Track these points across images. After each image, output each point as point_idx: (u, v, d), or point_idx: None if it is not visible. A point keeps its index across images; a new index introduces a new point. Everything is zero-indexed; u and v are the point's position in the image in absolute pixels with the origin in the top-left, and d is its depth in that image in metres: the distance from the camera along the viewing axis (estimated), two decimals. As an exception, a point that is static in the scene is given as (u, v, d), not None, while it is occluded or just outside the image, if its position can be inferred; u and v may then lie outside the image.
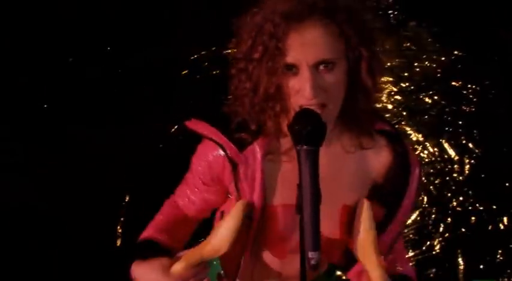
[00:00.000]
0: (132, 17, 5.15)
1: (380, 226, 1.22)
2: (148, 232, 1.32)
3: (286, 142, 1.17)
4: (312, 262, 0.98)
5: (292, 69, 1.06)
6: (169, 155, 3.45)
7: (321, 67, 1.05)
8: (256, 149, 1.16)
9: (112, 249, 2.84)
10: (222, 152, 1.18)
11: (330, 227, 1.22)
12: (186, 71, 4.73)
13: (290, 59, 1.05)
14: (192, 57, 4.99)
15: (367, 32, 1.11)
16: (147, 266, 1.19)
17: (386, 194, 1.23)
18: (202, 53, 4.99)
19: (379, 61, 1.13)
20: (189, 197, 1.34)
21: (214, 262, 1.41)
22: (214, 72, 4.70)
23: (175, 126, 3.81)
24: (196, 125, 1.22)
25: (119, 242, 2.85)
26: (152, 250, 1.23)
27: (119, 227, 2.91)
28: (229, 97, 1.20)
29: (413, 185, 1.22)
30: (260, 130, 1.17)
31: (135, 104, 4.02)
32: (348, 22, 1.06)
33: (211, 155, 1.21)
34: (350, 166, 1.23)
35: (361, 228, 1.18)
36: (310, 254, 0.98)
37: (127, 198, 3.07)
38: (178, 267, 1.16)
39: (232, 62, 1.16)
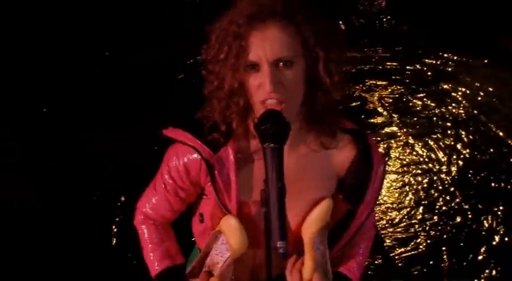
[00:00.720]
0: (131, 20, 5.24)
1: (345, 221, 1.32)
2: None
3: (256, 143, 1.23)
4: (280, 250, 1.06)
5: (254, 67, 1.15)
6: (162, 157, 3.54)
7: (280, 64, 1.14)
8: (229, 151, 1.24)
9: (107, 248, 2.91)
10: (197, 155, 1.25)
11: (299, 220, 1.31)
12: (182, 75, 4.82)
13: (252, 56, 1.14)
14: (188, 62, 5.06)
15: (325, 35, 1.18)
16: None
17: (350, 189, 1.31)
18: (198, 58, 5.08)
19: (337, 63, 1.20)
20: (166, 202, 1.39)
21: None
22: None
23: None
24: (172, 132, 1.30)
25: (114, 242, 2.92)
26: (176, 278, 1.37)
27: (114, 227, 2.98)
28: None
29: (376, 182, 1.30)
30: (231, 133, 1.25)
31: (131, 106, 4.11)
32: (306, 24, 1.15)
33: (187, 158, 1.28)
34: (316, 164, 1.31)
35: (310, 216, 1.28)
36: (279, 244, 1.06)
37: (122, 198, 3.14)
38: None
39: (203, 66, 1.24)
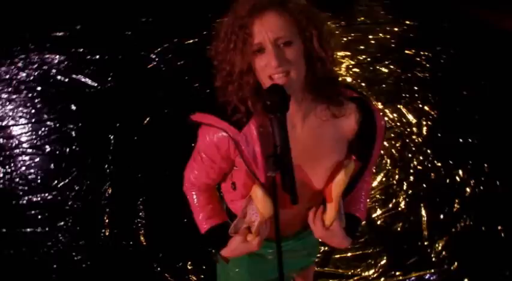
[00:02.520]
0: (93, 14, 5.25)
1: (357, 176, 1.51)
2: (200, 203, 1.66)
3: None
4: (268, 174, 1.28)
5: (260, 50, 1.33)
6: (143, 145, 3.64)
7: (281, 45, 1.32)
8: (252, 127, 1.42)
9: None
10: (225, 134, 1.43)
11: (318, 180, 1.51)
12: (152, 64, 4.87)
13: (257, 40, 1.32)
14: (156, 50, 5.11)
15: (313, 16, 1.37)
16: (233, 248, 1.57)
17: (360, 149, 1.50)
18: (165, 45, 5.13)
19: (328, 38, 1.39)
20: (205, 173, 1.60)
21: None
22: (178, 63, 4.86)
23: (148, 118, 3.99)
24: (200, 117, 1.48)
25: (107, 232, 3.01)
26: (220, 234, 1.58)
27: (105, 217, 3.07)
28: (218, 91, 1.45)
29: (379, 140, 1.50)
30: (251, 112, 1.42)
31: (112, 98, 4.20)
32: (296, 10, 1.36)
33: (216, 138, 1.46)
34: (329, 132, 1.48)
35: (338, 177, 1.46)
36: (269, 173, 1.28)
37: (109, 189, 3.23)
38: (251, 237, 1.53)
39: (213, 61, 1.42)
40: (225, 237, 1.57)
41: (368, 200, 1.73)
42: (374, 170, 3.14)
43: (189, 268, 2.72)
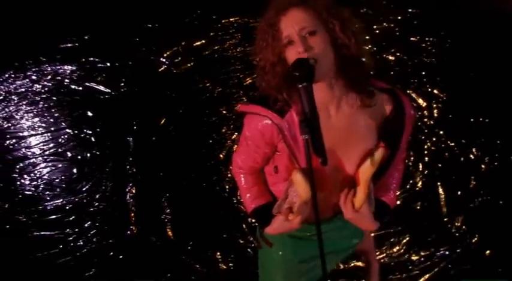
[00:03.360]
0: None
1: (386, 163, 1.63)
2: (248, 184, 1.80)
3: None
4: (302, 137, 1.42)
5: (290, 42, 1.50)
6: (161, 145, 3.73)
7: (306, 35, 1.49)
8: (293, 114, 1.56)
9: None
10: (269, 121, 1.57)
11: (347, 166, 1.63)
12: (163, 68, 4.96)
13: (285, 33, 1.50)
14: (166, 54, 5.20)
15: (334, 10, 1.54)
16: (276, 226, 1.69)
17: (390, 138, 1.61)
18: (174, 49, 5.22)
19: (350, 27, 1.55)
20: (251, 157, 1.73)
21: None
22: (188, 65, 4.95)
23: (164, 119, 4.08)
24: (245, 107, 1.64)
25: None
26: (265, 214, 1.71)
27: (132, 215, 3.16)
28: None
29: (408, 130, 1.62)
30: (291, 101, 1.57)
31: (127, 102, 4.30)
32: (316, 5, 1.53)
33: (261, 125, 1.60)
34: (361, 120, 1.60)
35: (367, 162, 1.58)
36: (302, 136, 1.42)
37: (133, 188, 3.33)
38: (292, 216, 1.65)
39: (255, 61, 1.60)
40: (269, 216, 1.70)
41: (399, 188, 1.85)
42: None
43: (218, 257, 2.81)
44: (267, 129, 1.58)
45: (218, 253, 2.81)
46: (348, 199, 1.63)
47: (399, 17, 5.29)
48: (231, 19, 4.33)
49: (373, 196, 1.64)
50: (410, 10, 5.36)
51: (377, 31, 5.08)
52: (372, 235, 2.28)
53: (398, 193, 3.10)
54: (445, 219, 2.88)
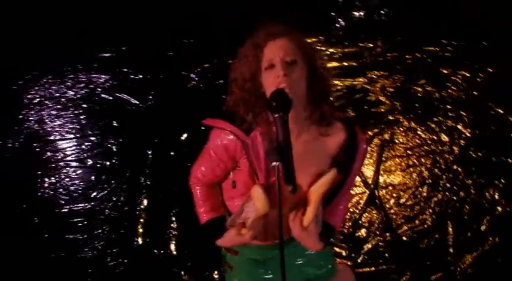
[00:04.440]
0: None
1: (338, 186, 1.76)
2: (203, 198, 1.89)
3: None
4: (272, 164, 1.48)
5: (270, 66, 1.62)
6: (178, 160, 3.79)
7: (288, 62, 1.62)
8: (257, 134, 1.69)
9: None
10: (234, 137, 1.68)
11: (304, 187, 1.73)
12: (191, 84, 5.05)
13: (267, 56, 1.63)
14: (196, 70, 5.29)
15: (316, 50, 1.86)
16: (227, 239, 1.77)
17: (343, 163, 1.74)
18: (205, 65, 5.31)
19: (326, 63, 1.73)
20: (212, 170, 1.83)
21: None
22: (217, 82, 5.03)
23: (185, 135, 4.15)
24: (212, 121, 1.76)
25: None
26: (217, 226, 1.80)
27: (139, 227, 3.22)
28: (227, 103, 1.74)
29: (360, 158, 1.76)
30: (256, 121, 1.68)
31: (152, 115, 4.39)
32: (303, 41, 1.70)
33: (226, 140, 1.71)
34: (317, 147, 1.73)
35: (318, 182, 1.68)
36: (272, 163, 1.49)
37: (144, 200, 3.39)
38: (245, 230, 1.72)
39: (230, 78, 1.73)
40: (222, 229, 1.79)
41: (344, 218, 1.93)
42: (394, 195, 3.18)
43: (215, 277, 2.82)
44: (231, 145, 1.69)
45: (216, 272, 2.83)
46: (297, 217, 1.71)
47: (432, 48, 5.21)
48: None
49: (320, 218, 1.74)
50: (444, 41, 5.28)
51: (408, 61, 5.02)
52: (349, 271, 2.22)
53: (406, 228, 3.04)
54: (451, 260, 2.79)
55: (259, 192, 1.63)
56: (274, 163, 1.46)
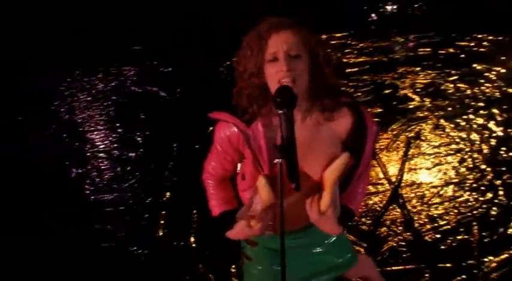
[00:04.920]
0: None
1: (351, 171, 1.75)
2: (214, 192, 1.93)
3: (275, 120, 1.67)
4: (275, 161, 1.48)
5: (274, 59, 1.61)
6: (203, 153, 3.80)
7: (292, 56, 1.61)
8: (259, 125, 1.69)
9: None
10: (236, 129, 1.70)
11: (314, 171, 1.73)
12: (220, 77, 5.07)
13: (272, 50, 1.61)
14: (225, 64, 5.30)
15: (322, 41, 1.71)
16: (237, 231, 1.79)
17: (353, 147, 1.73)
18: (234, 59, 5.32)
19: (330, 56, 1.70)
20: (221, 164, 1.86)
21: None
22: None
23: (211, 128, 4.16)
24: (217, 114, 1.77)
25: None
26: (229, 218, 1.82)
27: (160, 218, 3.26)
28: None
29: (370, 138, 1.73)
30: (258, 113, 1.68)
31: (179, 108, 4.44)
32: (308, 33, 1.67)
33: (229, 132, 1.74)
34: (324, 133, 1.74)
35: (331, 167, 1.68)
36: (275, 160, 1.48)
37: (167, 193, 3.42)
38: (254, 222, 1.73)
39: (235, 67, 1.75)
40: (233, 222, 1.80)
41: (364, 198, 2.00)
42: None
43: (232, 271, 2.82)
44: (234, 136, 1.71)
45: (233, 267, 2.83)
46: (313, 202, 1.71)
47: (466, 44, 5.05)
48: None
49: (338, 202, 1.72)
50: (479, 36, 5.11)
51: (441, 57, 4.88)
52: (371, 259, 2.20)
53: (429, 228, 2.97)
54: (474, 263, 2.71)
55: (263, 182, 1.64)
56: (276, 160, 1.47)
